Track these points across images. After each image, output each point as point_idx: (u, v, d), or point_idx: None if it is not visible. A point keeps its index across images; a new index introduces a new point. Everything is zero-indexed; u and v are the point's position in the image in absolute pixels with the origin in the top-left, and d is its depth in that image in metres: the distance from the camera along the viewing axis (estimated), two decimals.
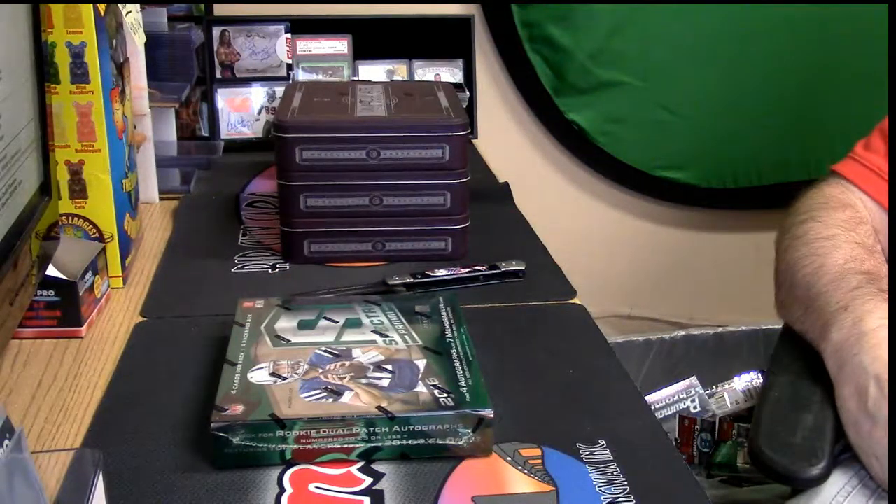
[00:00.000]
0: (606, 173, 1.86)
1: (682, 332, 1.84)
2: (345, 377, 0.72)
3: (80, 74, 0.92)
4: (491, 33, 1.73)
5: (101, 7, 0.92)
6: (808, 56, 1.79)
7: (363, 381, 0.72)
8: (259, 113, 1.49)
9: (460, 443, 0.68)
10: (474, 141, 1.52)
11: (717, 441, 1.21)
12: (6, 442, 0.48)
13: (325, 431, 0.67)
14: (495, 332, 0.89)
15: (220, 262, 1.05)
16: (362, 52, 1.52)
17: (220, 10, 1.55)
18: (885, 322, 0.82)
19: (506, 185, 1.30)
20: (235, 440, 0.67)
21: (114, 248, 0.97)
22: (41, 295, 0.86)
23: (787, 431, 0.81)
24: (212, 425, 0.67)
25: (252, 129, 1.49)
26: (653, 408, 1.25)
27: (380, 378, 0.72)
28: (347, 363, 0.75)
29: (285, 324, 0.81)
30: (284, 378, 0.72)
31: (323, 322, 0.82)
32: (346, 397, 0.70)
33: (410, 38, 1.53)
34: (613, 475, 0.67)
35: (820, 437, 0.80)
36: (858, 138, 1.12)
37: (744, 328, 1.85)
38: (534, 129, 1.82)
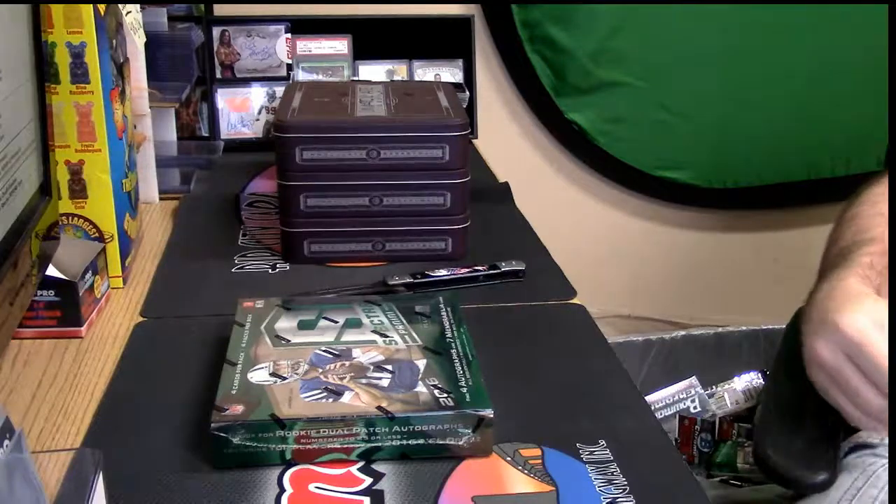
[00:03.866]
0: (606, 173, 1.87)
1: (682, 332, 1.84)
2: (345, 377, 0.72)
3: (80, 74, 0.92)
4: (491, 33, 1.74)
5: (101, 7, 0.92)
6: (807, 56, 1.79)
7: (363, 381, 0.72)
8: (259, 113, 1.49)
9: (460, 443, 0.68)
10: (474, 141, 1.52)
11: (717, 441, 1.21)
12: (6, 442, 0.48)
13: (325, 431, 0.67)
14: (495, 332, 0.89)
15: (220, 262, 1.05)
16: (362, 52, 1.52)
17: (220, 10, 1.55)
18: (858, 279, 0.79)
19: (506, 185, 1.30)
20: (235, 440, 0.67)
21: (114, 248, 0.97)
22: (41, 295, 0.86)
23: (791, 436, 0.80)
24: (212, 425, 0.67)
25: (252, 129, 1.49)
26: (653, 408, 1.26)
27: (380, 378, 0.72)
28: (347, 363, 0.75)
29: (285, 324, 0.81)
30: (284, 378, 0.72)
31: (323, 322, 0.82)
32: (346, 397, 0.70)
33: (410, 38, 1.53)
34: (613, 475, 0.67)
35: (825, 442, 0.80)
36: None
37: (744, 328, 1.85)
38: (534, 129, 1.82)
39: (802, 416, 0.82)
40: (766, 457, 0.79)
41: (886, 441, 0.82)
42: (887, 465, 0.81)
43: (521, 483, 0.67)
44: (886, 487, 0.79)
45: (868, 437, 0.84)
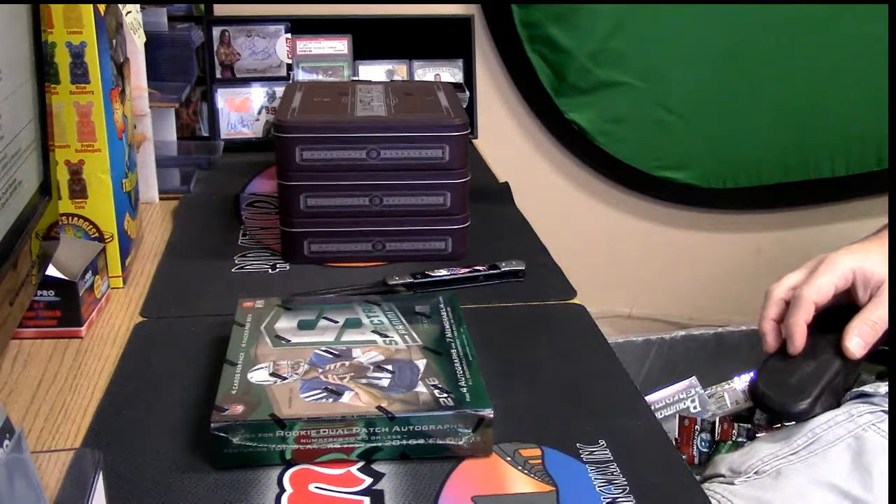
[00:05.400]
0: (606, 173, 1.87)
1: (682, 332, 1.84)
2: (345, 377, 0.72)
3: (80, 74, 0.92)
4: (491, 33, 1.74)
5: (101, 7, 0.92)
6: (807, 56, 1.79)
7: (363, 381, 0.72)
8: (259, 113, 1.49)
9: (460, 443, 0.68)
10: (474, 141, 1.52)
11: (717, 441, 1.21)
12: (6, 442, 0.48)
13: (325, 431, 0.67)
14: (495, 332, 0.89)
15: (220, 262, 1.05)
16: (362, 52, 1.52)
17: (220, 10, 1.55)
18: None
19: (506, 185, 1.30)
20: (235, 440, 0.67)
21: (114, 248, 0.97)
22: (41, 295, 0.86)
23: (787, 374, 0.89)
24: (212, 425, 0.67)
25: (252, 129, 1.49)
26: (653, 408, 1.25)
27: (380, 378, 0.73)
28: (347, 363, 0.75)
29: (285, 324, 0.81)
30: (284, 378, 0.72)
31: (323, 322, 0.82)
32: (346, 397, 0.70)
33: (410, 38, 1.53)
34: (613, 475, 0.67)
35: (813, 380, 0.88)
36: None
37: (744, 328, 1.85)
38: (534, 129, 1.82)
39: (805, 359, 0.89)
40: (760, 393, 0.88)
41: (881, 390, 0.90)
42: (873, 408, 0.88)
43: (521, 483, 0.67)
44: (866, 425, 0.86)
45: (867, 388, 0.91)
